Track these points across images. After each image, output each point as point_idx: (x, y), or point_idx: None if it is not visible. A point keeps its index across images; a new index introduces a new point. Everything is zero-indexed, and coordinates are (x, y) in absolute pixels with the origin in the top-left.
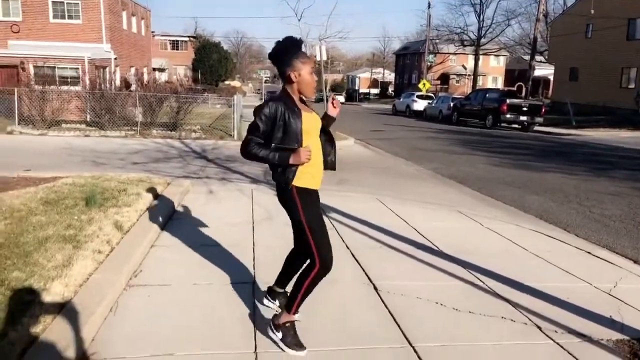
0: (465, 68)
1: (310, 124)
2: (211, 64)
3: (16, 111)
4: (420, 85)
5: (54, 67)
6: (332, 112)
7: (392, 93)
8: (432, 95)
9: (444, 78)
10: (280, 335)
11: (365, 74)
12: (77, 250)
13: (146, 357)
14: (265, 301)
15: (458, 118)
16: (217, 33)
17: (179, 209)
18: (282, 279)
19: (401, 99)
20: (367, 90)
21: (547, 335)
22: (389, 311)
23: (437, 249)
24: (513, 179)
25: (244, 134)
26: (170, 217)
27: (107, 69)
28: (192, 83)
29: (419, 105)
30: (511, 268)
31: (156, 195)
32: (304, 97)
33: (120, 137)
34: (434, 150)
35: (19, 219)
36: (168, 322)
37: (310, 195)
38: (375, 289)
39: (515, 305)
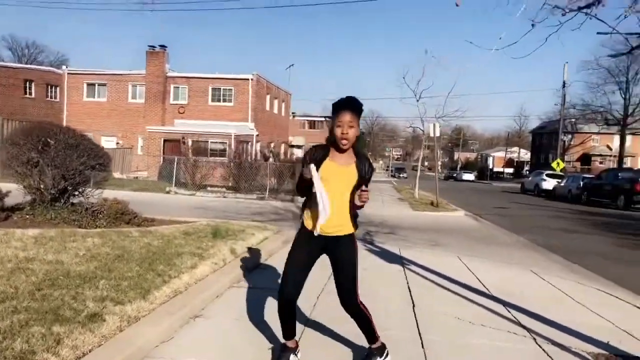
0: (610, 149)
1: (329, 172)
2: None
3: (174, 176)
4: (554, 165)
5: (207, 142)
6: (357, 201)
7: (528, 172)
8: (562, 174)
9: (586, 159)
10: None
11: (500, 153)
12: (201, 261)
13: (231, 320)
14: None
15: (588, 198)
16: None
17: (283, 248)
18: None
19: (530, 178)
20: (501, 169)
21: (536, 343)
22: (409, 291)
23: (485, 290)
24: (621, 255)
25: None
26: (274, 253)
27: (250, 144)
28: None
29: (548, 184)
30: (544, 307)
31: (265, 238)
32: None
33: (250, 200)
34: (544, 227)
35: (167, 241)
36: (241, 305)
37: (302, 235)
38: (409, 289)
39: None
